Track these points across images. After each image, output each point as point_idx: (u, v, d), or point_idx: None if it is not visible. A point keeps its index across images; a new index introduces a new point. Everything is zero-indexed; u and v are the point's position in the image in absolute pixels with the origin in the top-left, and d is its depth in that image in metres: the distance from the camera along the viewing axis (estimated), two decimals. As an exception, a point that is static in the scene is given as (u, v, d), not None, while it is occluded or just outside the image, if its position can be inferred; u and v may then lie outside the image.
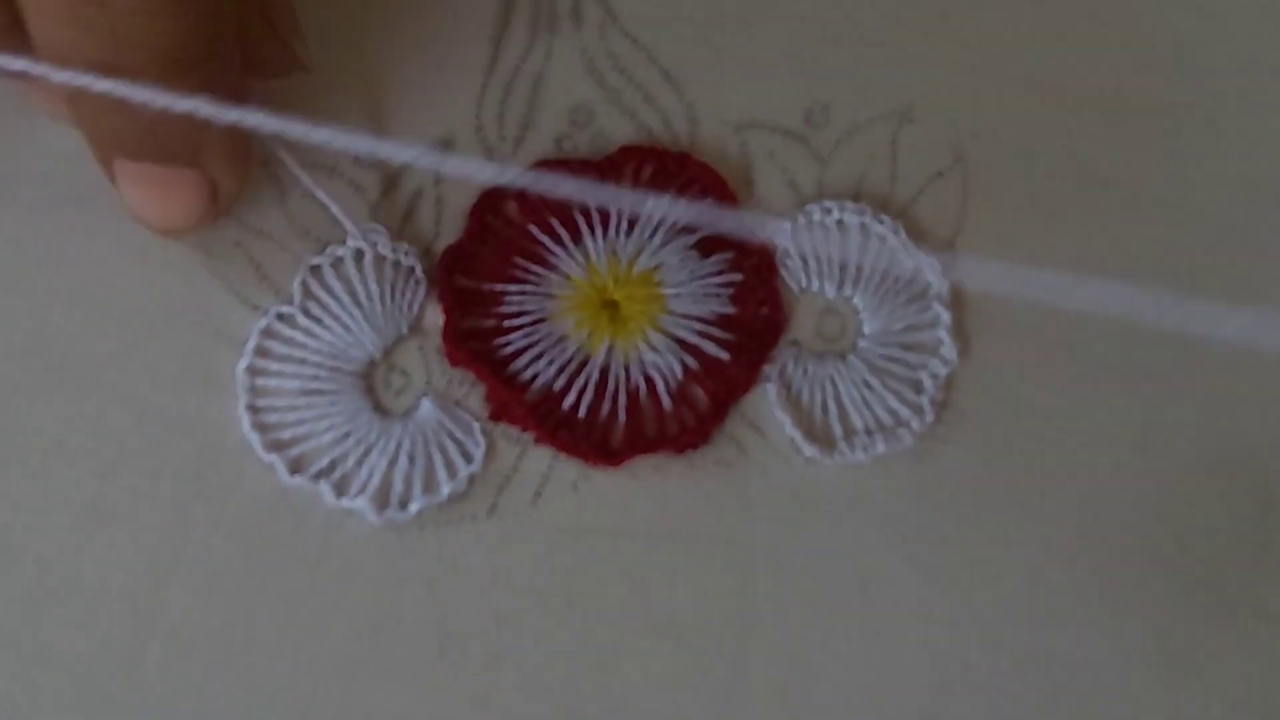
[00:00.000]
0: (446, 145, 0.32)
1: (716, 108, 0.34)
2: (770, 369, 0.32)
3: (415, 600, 0.29)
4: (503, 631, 0.29)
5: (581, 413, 0.31)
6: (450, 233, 0.32)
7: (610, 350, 0.31)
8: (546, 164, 0.32)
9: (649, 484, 0.31)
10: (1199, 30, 0.36)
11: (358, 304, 0.31)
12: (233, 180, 0.28)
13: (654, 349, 0.31)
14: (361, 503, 0.29)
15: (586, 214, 0.32)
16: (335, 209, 0.30)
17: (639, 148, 0.33)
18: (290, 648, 0.29)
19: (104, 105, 0.26)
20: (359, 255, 0.31)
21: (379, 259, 0.31)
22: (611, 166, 0.33)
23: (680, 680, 0.30)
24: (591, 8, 0.34)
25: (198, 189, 0.28)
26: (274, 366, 0.30)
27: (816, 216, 0.33)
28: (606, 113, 0.33)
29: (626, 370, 0.31)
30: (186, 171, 0.28)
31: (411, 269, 0.31)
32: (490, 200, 0.32)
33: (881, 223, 0.33)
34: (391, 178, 0.32)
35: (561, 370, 0.31)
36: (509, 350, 0.31)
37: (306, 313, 0.31)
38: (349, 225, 0.30)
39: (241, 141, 0.28)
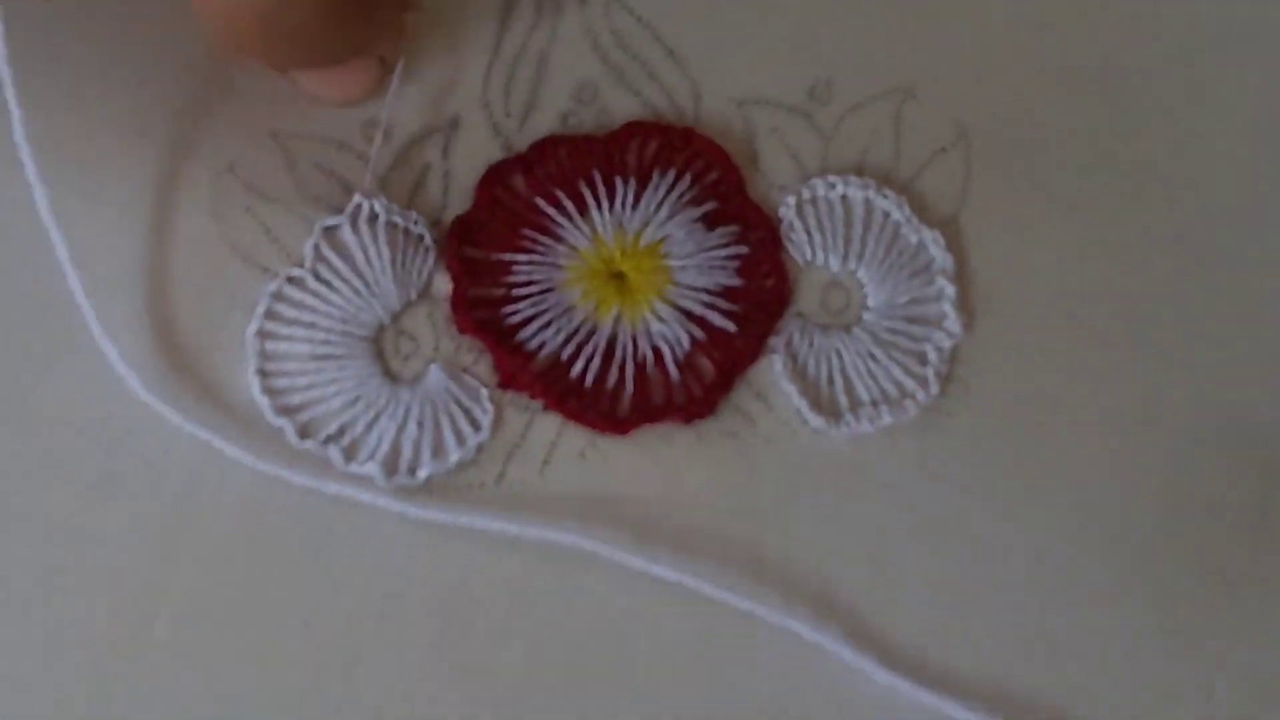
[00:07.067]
0: (454, 123, 0.33)
1: (720, 84, 0.34)
2: (776, 341, 0.32)
3: (424, 567, 0.29)
4: (512, 598, 0.29)
5: (589, 381, 0.31)
6: (458, 205, 0.32)
7: (618, 321, 0.31)
8: (552, 140, 0.33)
9: (656, 453, 0.31)
10: (1208, 8, 0.36)
11: (369, 267, 0.31)
12: (395, 49, 0.32)
13: (661, 320, 0.32)
14: (371, 468, 0.29)
15: (592, 187, 0.32)
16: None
17: (643, 124, 0.33)
18: (299, 617, 0.29)
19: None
20: (372, 218, 0.31)
21: (390, 225, 0.31)
22: (616, 142, 0.33)
23: (690, 646, 0.30)
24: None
25: (370, 69, 0.32)
26: (284, 330, 0.30)
27: (821, 191, 0.33)
28: (611, 90, 0.34)
29: (634, 340, 0.31)
30: (359, 61, 0.31)
31: (421, 237, 0.31)
32: (497, 173, 0.32)
33: (886, 197, 0.33)
34: (400, 151, 0.32)
35: (569, 339, 0.31)
36: (516, 319, 0.31)
37: (317, 276, 0.31)
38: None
39: (399, 13, 0.31)
